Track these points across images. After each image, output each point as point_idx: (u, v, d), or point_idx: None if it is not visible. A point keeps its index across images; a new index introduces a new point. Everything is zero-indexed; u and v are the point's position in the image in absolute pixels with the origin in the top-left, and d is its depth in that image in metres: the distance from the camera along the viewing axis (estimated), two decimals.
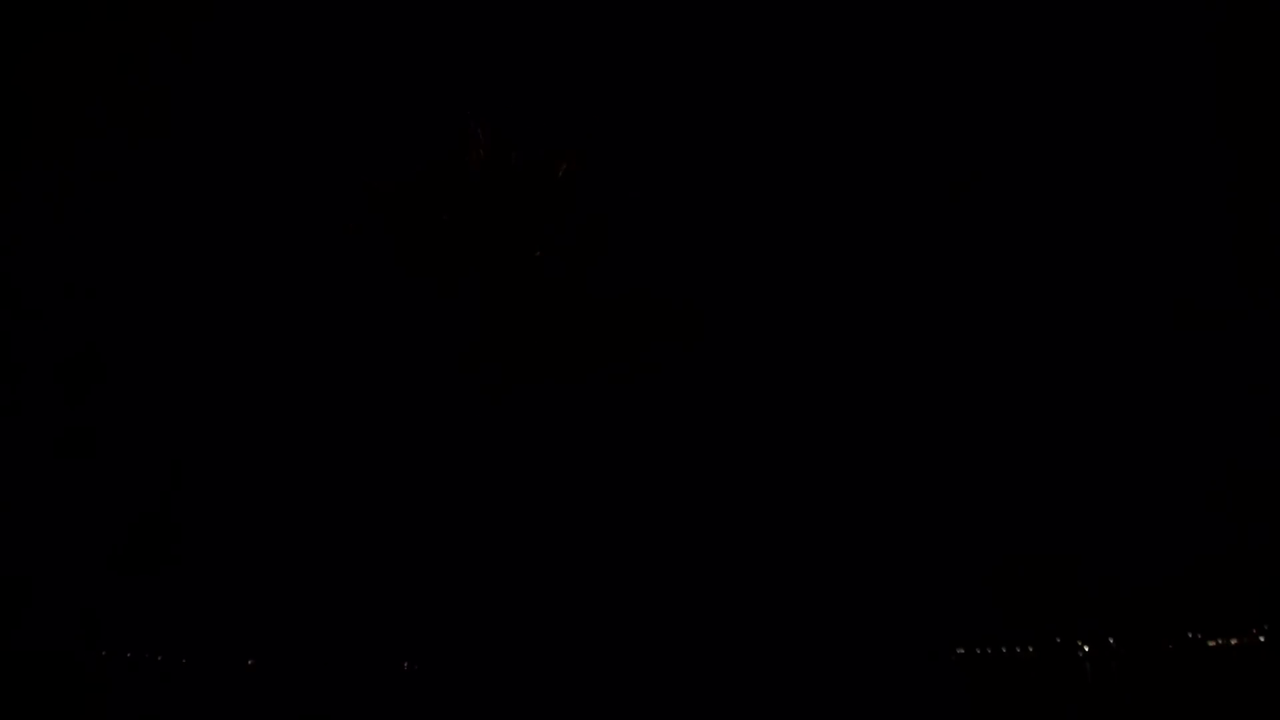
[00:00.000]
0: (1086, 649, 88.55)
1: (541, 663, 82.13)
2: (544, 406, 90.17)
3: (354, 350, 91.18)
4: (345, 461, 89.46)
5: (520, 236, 71.22)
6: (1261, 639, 79.56)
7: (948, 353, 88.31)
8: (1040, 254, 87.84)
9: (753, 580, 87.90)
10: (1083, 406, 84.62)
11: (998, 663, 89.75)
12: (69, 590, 79.61)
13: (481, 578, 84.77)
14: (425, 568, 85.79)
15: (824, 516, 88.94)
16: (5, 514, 77.55)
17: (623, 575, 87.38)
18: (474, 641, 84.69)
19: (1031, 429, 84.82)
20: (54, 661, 75.41)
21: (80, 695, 41.33)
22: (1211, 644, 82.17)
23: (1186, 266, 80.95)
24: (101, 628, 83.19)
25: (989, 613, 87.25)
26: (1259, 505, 74.85)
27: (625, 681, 60.90)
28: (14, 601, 76.67)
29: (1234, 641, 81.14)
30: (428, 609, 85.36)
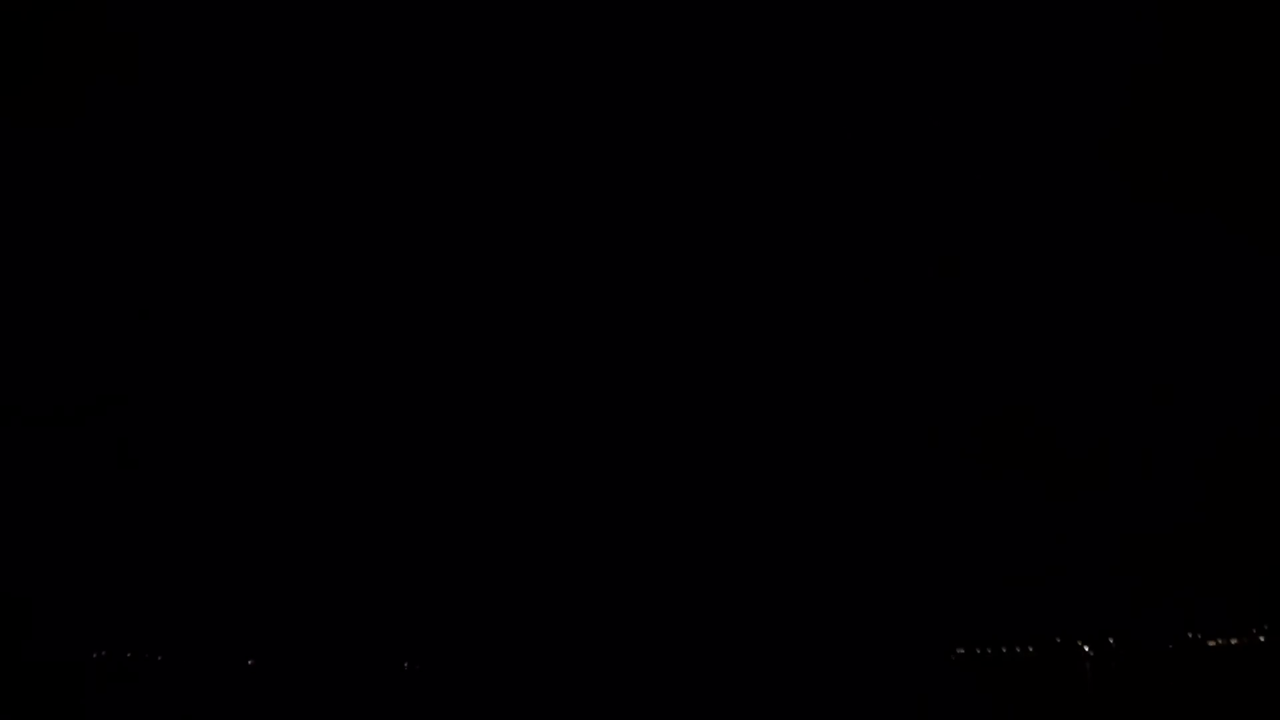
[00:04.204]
0: (1087, 649, 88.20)
1: (546, 663, 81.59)
2: (545, 411, 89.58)
3: (354, 351, 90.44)
4: (345, 463, 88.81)
5: None
6: (1261, 639, 79.25)
7: (948, 356, 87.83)
8: (1040, 257, 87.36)
9: (757, 582, 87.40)
10: (1084, 409, 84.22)
11: (998, 663, 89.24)
12: (69, 591, 79.21)
13: (481, 578, 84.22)
14: (425, 568, 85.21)
15: (826, 520, 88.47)
16: (6, 516, 77.17)
17: (627, 578, 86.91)
18: (474, 641, 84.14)
19: (1032, 432, 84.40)
20: (54, 661, 75.01)
21: (80, 695, 41.29)
22: (1211, 644, 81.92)
23: (1186, 269, 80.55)
24: (101, 628, 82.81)
25: (989, 613, 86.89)
26: (1259, 507, 74.55)
27: (626, 682, 60.76)
28: (15, 602, 76.30)
29: (1234, 641, 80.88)
30: (428, 609, 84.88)
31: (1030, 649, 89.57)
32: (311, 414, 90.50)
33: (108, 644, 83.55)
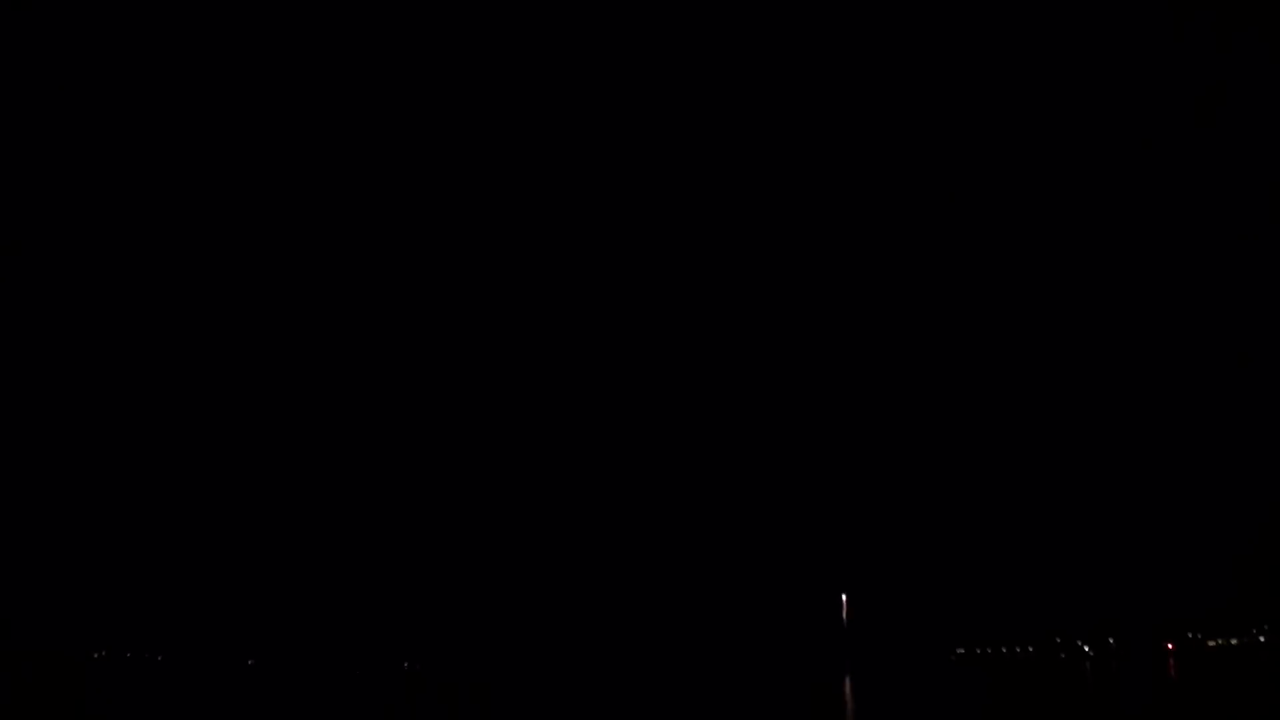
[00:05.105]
0: (1087, 649, 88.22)
1: (541, 663, 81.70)
2: (547, 411, 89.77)
3: (353, 351, 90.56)
4: (345, 463, 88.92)
5: None
6: (1261, 639, 79.29)
7: (948, 357, 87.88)
8: (1039, 260, 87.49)
9: (757, 582, 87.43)
10: (1084, 410, 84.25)
11: (998, 663, 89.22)
12: (69, 591, 79.21)
13: (481, 578, 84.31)
14: (425, 568, 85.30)
15: (827, 520, 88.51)
16: (6, 515, 77.17)
17: (625, 578, 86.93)
18: (474, 641, 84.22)
19: (1034, 433, 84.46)
20: (54, 661, 75.00)
21: (80, 695, 41.33)
22: (1211, 644, 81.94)
23: (1186, 272, 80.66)
24: (101, 628, 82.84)
25: (989, 613, 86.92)
26: (1258, 507, 74.57)
27: (624, 682, 60.81)
28: (15, 602, 76.34)
29: (1234, 641, 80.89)
30: (428, 609, 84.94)
31: (1030, 649, 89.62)
32: (311, 414, 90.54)
33: (108, 644, 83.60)
